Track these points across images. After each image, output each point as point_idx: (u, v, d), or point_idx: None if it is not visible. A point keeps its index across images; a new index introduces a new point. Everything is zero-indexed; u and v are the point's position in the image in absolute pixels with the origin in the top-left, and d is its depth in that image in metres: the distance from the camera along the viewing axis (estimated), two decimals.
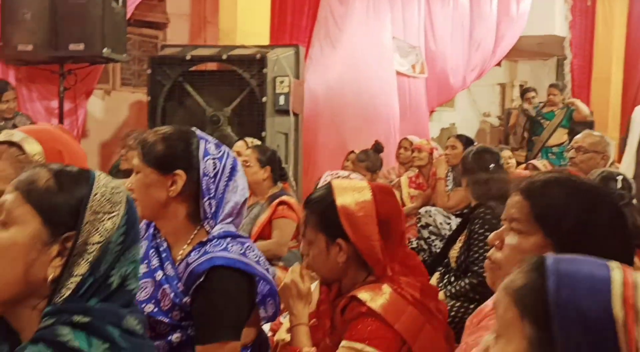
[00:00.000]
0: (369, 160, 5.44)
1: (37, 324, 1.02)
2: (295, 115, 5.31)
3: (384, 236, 1.73)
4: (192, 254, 1.67)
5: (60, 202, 1.05)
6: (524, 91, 8.73)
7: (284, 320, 2.07)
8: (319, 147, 6.43)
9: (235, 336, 1.64)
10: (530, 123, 8.07)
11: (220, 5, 5.78)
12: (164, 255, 1.72)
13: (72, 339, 0.98)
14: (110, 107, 6.26)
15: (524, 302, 0.84)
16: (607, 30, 9.55)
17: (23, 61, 4.87)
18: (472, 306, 2.83)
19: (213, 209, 1.71)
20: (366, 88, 6.74)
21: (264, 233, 3.68)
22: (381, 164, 5.63)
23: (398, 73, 7.33)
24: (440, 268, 3.26)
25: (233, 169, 1.75)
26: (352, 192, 1.76)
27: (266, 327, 2.05)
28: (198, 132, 1.77)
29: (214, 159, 1.72)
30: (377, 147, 5.70)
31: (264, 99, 5.03)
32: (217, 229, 1.70)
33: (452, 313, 2.89)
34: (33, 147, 1.51)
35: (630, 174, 4.12)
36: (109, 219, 1.06)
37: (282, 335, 1.96)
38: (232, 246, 1.67)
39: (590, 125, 7.03)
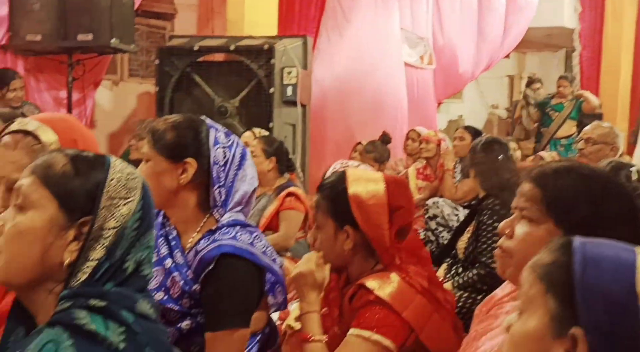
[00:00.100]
0: (376, 152, 5.43)
1: (53, 308, 1.03)
2: (303, 106, 5.30)
3: (393, 225, 1.74)
4: (202, 242, 1.67)
5: (76, 187, 1.06)
6: (529, 82, 8.69)
7: (292, 308, 2.07)
8: (327, 138, 6.41)
9: (244, 323, 1.65)
10: (535, 113, 8.01)
11: None
12: (173, 243, 1.72)
13: (89, 322, 0.98)
14: (118, 98, 6.26)
15: (549, 278, 0.86)
16: (616, 22, 9.46)
17: (31, 51, 4.88)
18: (479, 297, 2.83)
19: (223, 198, 1.71)
20: (374, 79, 6.70)
21: (272, 225, 3.68)
22: (389, 155, 5.62)
23: (406, 64, 7.30)
24: (448, 259, 3.26)
25: (242, 158, 1.75)
26: (365, 181, 1.77)
27: (275, 315, 2.06)
28: (207, 120, 1.77)
29: (223, 147, 1.72)
30: (385, 139, 5.69)
31: (271, 90, 5.02)
32: (227, 218, 1.70)
33: (460, 304, 2.88)
34: (48, 137, 1.48)
35: None
36: (124, 204, 1.07)
37: (291, 322, 1.97)
38: (240, 234, 1.68)
39: (599, 117, 6.99)
